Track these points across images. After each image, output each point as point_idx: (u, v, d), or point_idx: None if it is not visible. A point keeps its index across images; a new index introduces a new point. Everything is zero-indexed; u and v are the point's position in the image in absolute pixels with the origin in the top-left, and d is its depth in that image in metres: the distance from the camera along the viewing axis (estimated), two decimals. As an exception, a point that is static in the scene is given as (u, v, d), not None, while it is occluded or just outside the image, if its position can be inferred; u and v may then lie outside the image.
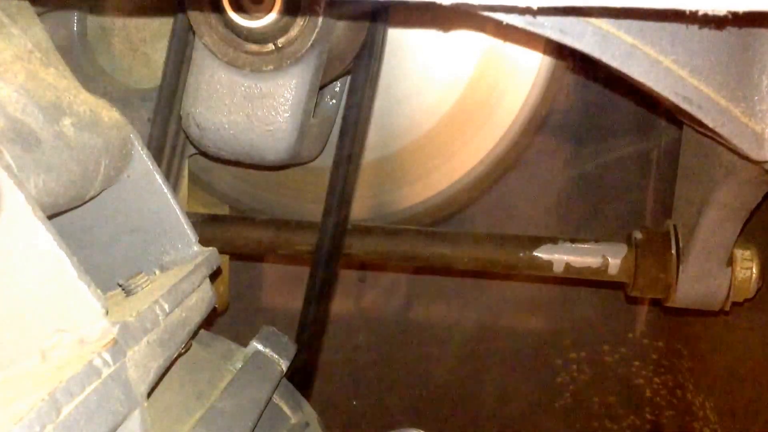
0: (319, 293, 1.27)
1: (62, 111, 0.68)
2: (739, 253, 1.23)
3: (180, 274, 0.73)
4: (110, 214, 0.78)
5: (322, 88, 1.23)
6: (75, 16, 1.36)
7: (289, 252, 1.39)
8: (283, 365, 0.89)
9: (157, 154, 1.26)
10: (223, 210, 1.57)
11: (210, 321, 0.81)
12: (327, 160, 1.31)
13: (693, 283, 1.24)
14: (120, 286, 0.71)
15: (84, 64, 1.37)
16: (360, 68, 1.26)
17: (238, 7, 1.06)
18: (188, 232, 0.80)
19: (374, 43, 1.23)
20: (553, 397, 1.85)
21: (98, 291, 0.57)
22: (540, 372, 1.85)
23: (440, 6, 0.66)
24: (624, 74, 0.79)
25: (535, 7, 0.65)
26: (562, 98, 1.62)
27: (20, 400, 0.48)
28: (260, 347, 0.89)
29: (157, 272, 0.78)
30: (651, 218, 1.71)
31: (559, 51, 1.31)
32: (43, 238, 0.55)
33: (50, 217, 0.60)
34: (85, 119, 0.71)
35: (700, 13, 0.63)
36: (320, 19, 1.08)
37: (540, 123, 1.43)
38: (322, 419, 0.96)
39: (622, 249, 1.30)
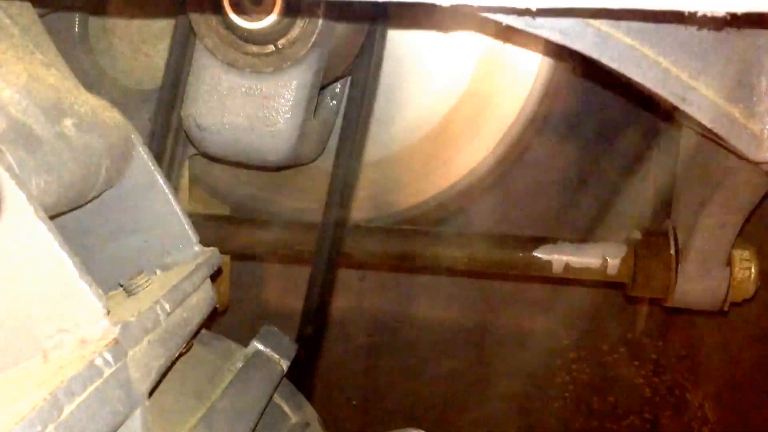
0: (320, 293, 1.27)
1: (63, 112, 0.69)
2: (738, 254, 1.23)
3: (181, 274, 0.74)
4: (111, 215, 0.79)
5: (322, 89, 1.23)
6: (76, 17, 1.37)
7: (289, 252, 1.39)
8: (284, 365, 0.89)
9: (157, 154, 1.27)
10: (224, 210, 1.57)
11: (211, 321, 0.81)
12: (327, 160, 1.31)
13: (692, 283, 1.24)
14: (121, 286, 0.71)
15: (85, 65, 1.37)
16: (360, 69, 1.26)
17: (239, 9, 1.06)
18: (189, 232, 0.80)
19: (374, 44, 1.24)
20: (553, 397, 1.86)
21: (99, 291, 0.57)
22: (540, 372, 1.86)
23: (440, 7, 0.66)
24: (623, 75, 0.79)
25: (534, 9, 0.65)
26: (561, 99, 1.62)
27: (22, 399, 0.48)
28: (261, 347, 0.89)
29: (159, 272, 0.79)
30: (650, 218, 1.71)
31: (558, 52, 1.32)
32: (44, 239, 0.55)
33: (52, 218, 0.60)
34: (86, 120, 0.71)
35: (699, 14, 0.63)
36: (320, 21, 1.08)
37: (540, 123, 1.43)
38: (323, 419, 0.96)
39: (622, 249, 1.30)
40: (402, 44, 1.34)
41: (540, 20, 0.74)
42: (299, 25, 1.08)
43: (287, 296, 1.86)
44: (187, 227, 0.80)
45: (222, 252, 0.85)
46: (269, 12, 1.05)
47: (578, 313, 1.81)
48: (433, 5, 0.65)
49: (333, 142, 1.31)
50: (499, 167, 1.44)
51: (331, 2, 1.06)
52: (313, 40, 1.08)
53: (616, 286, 1.37)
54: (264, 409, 0.81)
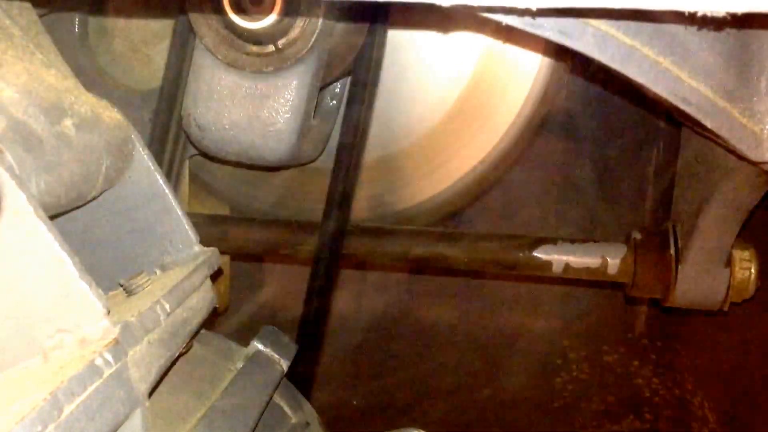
0: (320, 293, 1.27)
1: (63, 111, 0.69)
2: (738, 254, 1.23)
3: (181, 274, 0.74)
4: (111, 215, 0.79)
5: (322, 89, 1.23)
6: (76, 18, 1.37)
7: (289, 252, 1.39)
8: (284, 365, 0.89)
9: (158, 154, 1.27)
10: (224, 210, 1.58)
11: (211, 321, 0.81)
12: (327, 160, 1.31)
13: (692, 283, 1.24)
14: (121, 286, 0.71)
15: (85, 64, 1.37)
16: (360, 69, 1.26)
17: (239, 9, 1.06)
18: (189, 232, 0.80)
19: (374, 44, 1.24)
20: (553, 397, 1.86)
21: (99, 291, 0.57)
22: (540, 372, 1.86)
23: (440, 7, 0.66)
24: (623, 75, 0.79)
25: (534, 9, 0.65)
26: (561, 98, 1.62)
27: (22, 399, 0.48)
28: (261, 347, 0.89)
29: (159, 272, 0.79)
30: (650, 218, 1.71)
31: (558, 52, 1.32)
32: (44, 239, 0.55)
33: (52, 218, 0.60)
34: (86, 120, 0.71)
35: (699, 14, 0.63)
36: (320, 21, 1.08)
37: (540, 123, 1.43)
38: (323, 419, 0.96)
39: (622, 249, 1.30)
40: (402, 44, 1.34)
41: (540, 20, 0.74)
42: (299, 25, 1.08)
43: (287, 296, 1.86)
44: (187, 227, 0.80)
45: (222, 252, 0.85)
46: (269, 12, 1.05)
47: (578, 313, 1.82)
48: (433, 5, 0.65)
49: (333, 142, 1.31)
50: (499, 167, 1.44)
51: (331, 2, 1.06)
52: (313, 40, 1.08)
53: (616, 286, 1.37)
54: (264, 409, 0.81)
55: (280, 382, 0.89)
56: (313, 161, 1.33)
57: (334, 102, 1.36)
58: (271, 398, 0.85)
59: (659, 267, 1.27)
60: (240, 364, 0.86)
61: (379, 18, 1.22)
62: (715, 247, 1.20)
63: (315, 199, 1.39)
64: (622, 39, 0.77)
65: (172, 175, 1.32)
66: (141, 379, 0.60)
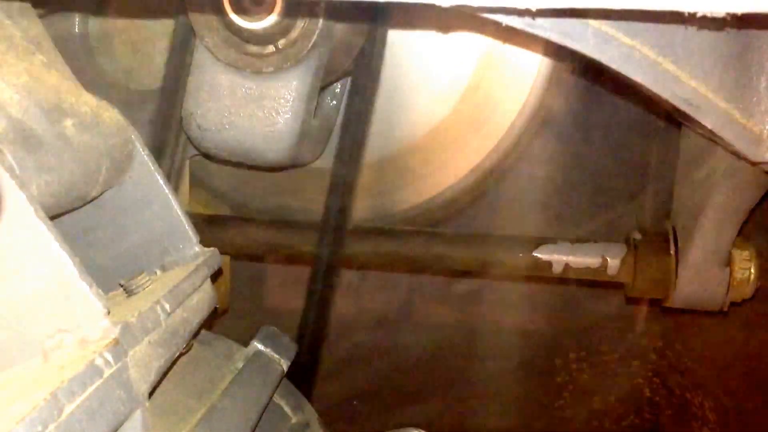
0: (320, 293, 1.27)
1: (64, 112, 0.69)
2: (738, 254, 1.23)
3: (181, 274, 0.74)
4: (112, 215, 0.79)
5: (322, 89, 1.24)
6: (76, 18, 1.37)
7: (289, 252, 1.39)
8: (284, 365, 0.90)
9: (158, 155, 1.26)
10: (224, 211, 1.58)
11: (211, 321, 0.82)
12: (327, 161, 1.31)
13: (692, 283, 1.24)
14: (121, 286, 0.71)
15: (85, 65, 1.37)
16: (360, 69, 1.26)
17: (239, 9, 1.06)
18: (189, 232, 0.80)
19: (374, 45, 1.24)
20: (553, 397, 1.86)
21: (100, 291, 0.57)
22: (540, 372, 1.86)
23: (440, 7, 0.66)
24: (623, 76, 0.79)
25: (534, 9, 0.65)
26: (562, 98, 1.62)
27: (22, 399, 0.48)
28: (261, 347, 0.89)
29: (159, 272, 0.79)
30: (650, 219, 1.71)
31: (558, 52, 1.32)
32: (45, 239, 0.55)
33: (52, 218, 0.60)
34: (86, 120, 0.72)
35: (699, 14, 0.63)
36: (321, 21, 1.08)
37: (540, 123, 1.43)
38: (323, 419, 0.97)
39: (622, 249, 1.30)
40: (402, 44, 1.34)
41: (540, 21, 0.74)
42: (300, 25, 1.08)
43: (287, 296, 1.86)
44: (187, 227, 0.80)
45: (222, 252, 0.85)
46: (270, 12, 1.05)
47: (578, 312, 1.81)
48: (433, 5, 0.65)
49: (333, 142, 1.31)
50: (499, 167, 1.44)
51: (332, 2, 1.06)
52: (313, 40, 1.08)
53: (616, 286, 1.37)
54: (264, 409, 0.81)
55: (280, 382, 0.89)
56: (313, 161, 1.33)
57: (334, 102, 1.36)
58: (271, 398, 0.86)
59: (659, 267, 1.27)
60: (240, 364, 0.86)
61: (379, 18, 1.22)
62: (714, 247, 1.21)
63: (315, 199, 1.39)
64: (622, 39, 0.77)
65: (172, 175, 1.32)
66: (141, 379, 0.60)
